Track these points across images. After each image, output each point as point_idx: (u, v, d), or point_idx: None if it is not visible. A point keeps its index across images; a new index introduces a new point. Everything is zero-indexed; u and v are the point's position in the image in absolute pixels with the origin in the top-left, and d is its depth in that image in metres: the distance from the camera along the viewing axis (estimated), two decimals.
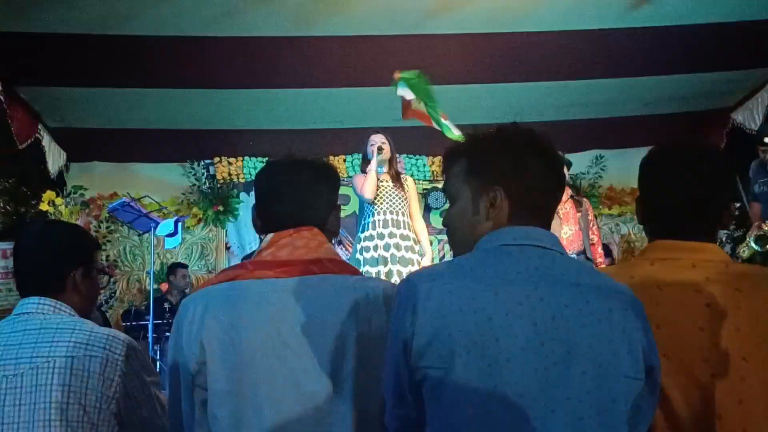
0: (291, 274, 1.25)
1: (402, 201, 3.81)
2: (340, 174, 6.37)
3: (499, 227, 1.11)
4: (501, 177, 1.13)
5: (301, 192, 1.33)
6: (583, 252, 4.22)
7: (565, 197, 4.35)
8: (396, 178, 3.85)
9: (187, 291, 5.92)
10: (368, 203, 3.76)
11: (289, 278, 1.24)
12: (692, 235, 1.30)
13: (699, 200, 1.30)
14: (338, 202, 1.43)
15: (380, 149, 3.75)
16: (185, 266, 6.00)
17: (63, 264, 1.54)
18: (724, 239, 5.49)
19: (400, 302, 1.08)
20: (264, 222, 1.36)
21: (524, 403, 0.96)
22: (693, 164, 1.32)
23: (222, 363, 1.19)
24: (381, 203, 3.76)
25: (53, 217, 5.85)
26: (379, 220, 3.73)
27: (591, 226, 4.35)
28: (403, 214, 3.78)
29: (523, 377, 0.97)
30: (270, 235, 1.33)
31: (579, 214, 4.28)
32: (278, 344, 1.19)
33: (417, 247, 3.79)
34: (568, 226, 4.23)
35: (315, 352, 1.19)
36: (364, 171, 3.84)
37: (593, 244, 4.31)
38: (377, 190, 3.76)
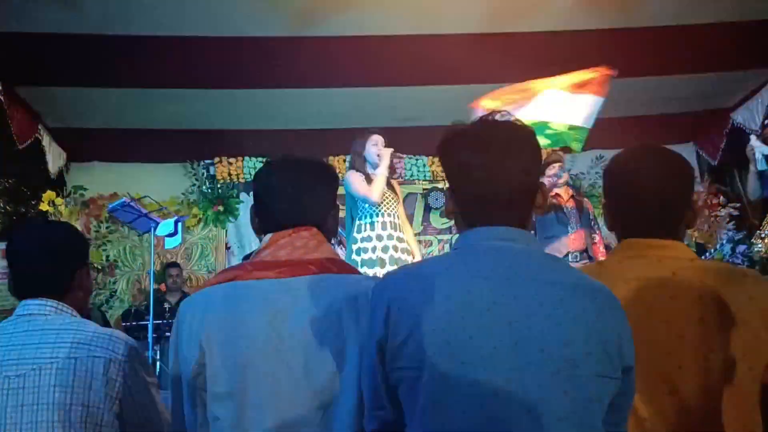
0: (290, 274, 1.24)
1: (396, 204, 3.82)
2: (341, 173, 6.39)
3: (471, 227, 1.11)
4: (448, 179, 1.15)
5: (299, 192, 1.32)
6: (585, 251, 4.22)
7: (566, 197, 4.34)
8: (389, 181, 3.85)
9: (185, 290, 5.92)
10: (372, 205, 3.71)
11: (289, 278, 1.24)
12: (657, 234, 1.34)
13: (659, 201, 1.34)
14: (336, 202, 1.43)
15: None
16: (177, 265, 5.99)
17: (69, 265, 1.54)
18: (725, 241, 5.50)
19: (374, 303, 1.08)
20: (262, 222, 1.35)
21: (499, 403, 0.96)
22: (650, 167, 1.36)
23: (222, 364, 1.19)
24: (382, 206, 3.73)
25: (53, 217, 5.84)
26: (380, 222, 3.70)
27: (593, 225, 4.36)
28: (397, 217, 3.79)
29: (496, 377, 0.96)
30: (268, 235, 1.32)
31: (581, 214, 4.29)
32: (278, 344, 1.19)
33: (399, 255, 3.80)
34: (570, 226, 4.23)
35: (315, 352, 1.19)
36: (357, 169, 3.77)
37: (595, 243, 4.31)
38: None
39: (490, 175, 1.08)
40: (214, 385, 1.19)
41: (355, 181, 3.76)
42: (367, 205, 3.72)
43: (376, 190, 3.64)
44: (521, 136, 1.12)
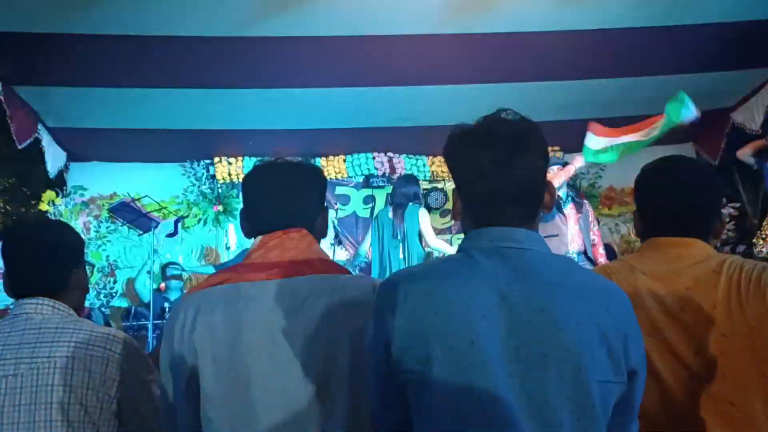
0: (282, 275, 1.25)
1: None
2: (340, 174, 6.43)
3: (478, 227, 1.09)
4: (456, 177, 1.14)
5: (288, 193, 1.33)
6: (584, 252, 4.22)
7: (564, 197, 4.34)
8: None
9: (183, 289, 5.93)
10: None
11: (281, 279, 1.24)
12: (684, 236, 1.39)
13: (689, 211, 1.38)
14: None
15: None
16: (176, 264, 5.99)
17: (67, 264, 1.54)
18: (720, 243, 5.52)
19: (379, 305, 1.07)
20: (252, 225, 1.36)
21: (502, 409, 0.94)
22: (682, 176, 1.41)
23: (214, 366, 1.19)
24: None
25: (53, 218, 5.84)
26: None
27: (591, 227, 4.35)
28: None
29: (499, 382, 0.95)
30: (258, 238, 1.33)
31: (580, 215, 4.29)
32: (271, 346, 1.19)
33: None
34: (568, 228, 4.23)
35: (308, 353, 1.19)
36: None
37: (594, 244, 4.32)
38: None
39: (498, 172, 1.06)
40: (206, 387, 1.19)
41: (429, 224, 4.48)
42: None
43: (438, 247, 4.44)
44: (529, 133, 1.09)
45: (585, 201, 4.62)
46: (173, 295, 5.73)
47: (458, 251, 1.12)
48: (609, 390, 0.99)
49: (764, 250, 4.52)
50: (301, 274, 1.25)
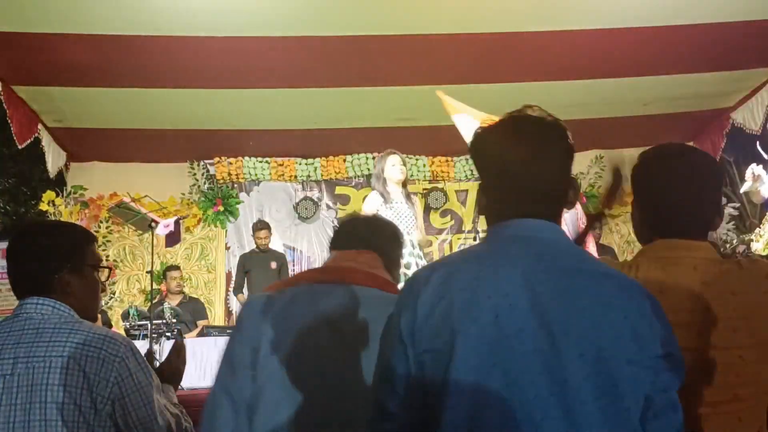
0: (350, 281, 1.38)
1: (412, 220, 4.02)
2: (340, 173, 6.43)
3: (503, 220, 1.11)
4: (481, 173, 1.16)
5: (369, 228, 1.55)
6: None
7: None
8: (408, 197, 4.05)
9: (185, 291, 5.92)
10: None
11: (347, 285, 1.37)
12: (689, 234, 1.32)
13: (695, 202, 1.32)
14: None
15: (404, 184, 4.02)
16: (177, 268, 5.99)
17: (48, 266, 1.52)
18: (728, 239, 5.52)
19: (403, 293, 1.09)
20: (332, 241, 1.56)
21: (524, 384, 0.96)
22: (687, 167, 1.34)
23: (276, 361, 1.29)
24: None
25: (53, 218, 5.84)
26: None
27: (579, 223, 4.35)
28: (409, 233, 3.96)
29: (521, 358, 0.96)
30: (334, 252, 1.50)
31: (566, 214, 4.29)
32: (331, 342, 1.31)
33: (422, 262, 3.98)
34: None
35: (358, 353, 1.29)
36: (375, 188, 4.05)
37: (584, 243, 4.32)
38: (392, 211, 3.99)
39: (524, 169, 1.08)
40: (267, 382, 1.28)
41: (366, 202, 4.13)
42: None
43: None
44: (556, 130, 1.12)
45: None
46: (174, 299, 5.72)
47: (484, 240, 1.14)
48: (634, 373, 0.98)
49: (762, 248, 4.53)
50: (366, 285, 1.38)
